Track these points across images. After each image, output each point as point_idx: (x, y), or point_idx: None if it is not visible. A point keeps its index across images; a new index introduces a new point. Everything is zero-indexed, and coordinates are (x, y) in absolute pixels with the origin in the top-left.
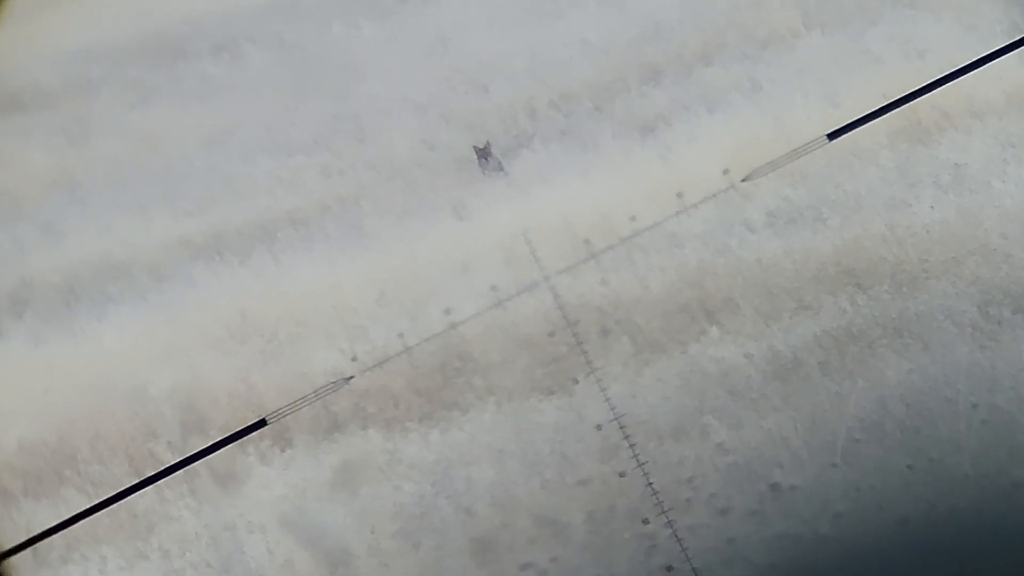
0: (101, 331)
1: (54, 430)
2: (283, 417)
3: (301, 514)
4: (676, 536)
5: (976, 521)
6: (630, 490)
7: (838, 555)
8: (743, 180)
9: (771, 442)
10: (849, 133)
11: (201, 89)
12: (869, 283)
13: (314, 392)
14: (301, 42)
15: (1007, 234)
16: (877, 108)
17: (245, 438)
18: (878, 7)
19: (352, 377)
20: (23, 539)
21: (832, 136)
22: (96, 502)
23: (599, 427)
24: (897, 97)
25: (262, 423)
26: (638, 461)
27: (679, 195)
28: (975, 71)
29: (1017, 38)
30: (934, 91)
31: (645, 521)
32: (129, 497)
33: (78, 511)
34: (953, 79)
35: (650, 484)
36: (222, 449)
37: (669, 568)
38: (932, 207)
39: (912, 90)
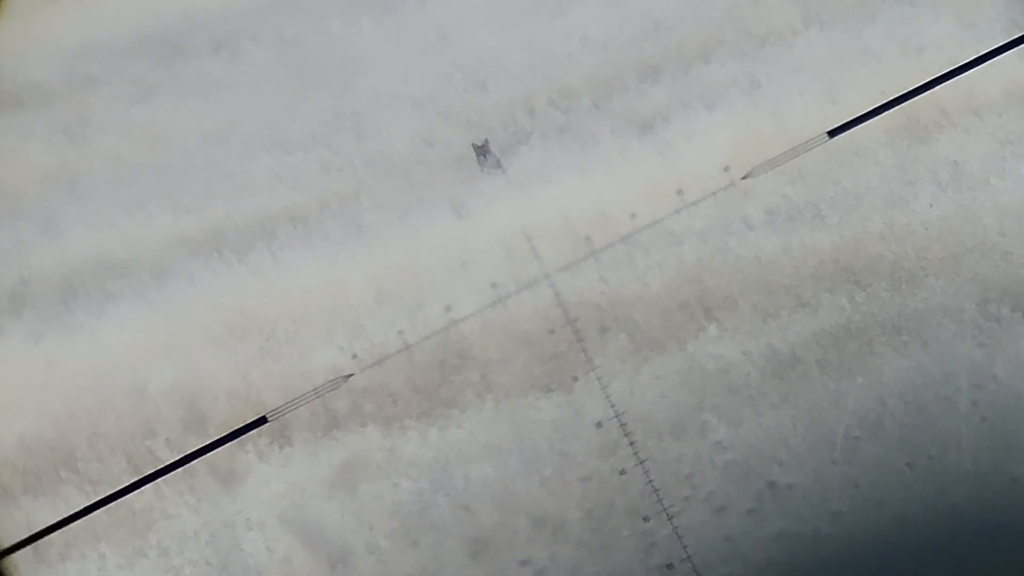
0: (100, 328)
1: (53, 427)
2: (284, 415)
3: (300, 511)
4: (677, 534)
5: (975, 518)
6: (630, 488)
7: (837, 552)
8: (744, 177)
9: (770, 439)
10: (848, 131)
11: (201, 86)
12: (868, 280)
13: (314, 390)
14: (301, 39)
15: (1005, 231)
16: (876, 106)
17: (244, 436)
18: (877, 4)
19: (352, 375)
20: (23, 536)
21: (833, 133)
22: (95, 500)
23: (599, 424)
24: (896, 95)
25: (263, 420)
26: (639, 459)
27: (679, 192)
28: (974, 68)
29: (1016, 36)
30: (933, 88)
31: (646, 519)
32: (128, 495)
33: (77, 509)
34: (952, 77)
35: (650, 482)
36: (221, 447)
37: (669, 566)
38: (931, 204)
39: (911, 87)
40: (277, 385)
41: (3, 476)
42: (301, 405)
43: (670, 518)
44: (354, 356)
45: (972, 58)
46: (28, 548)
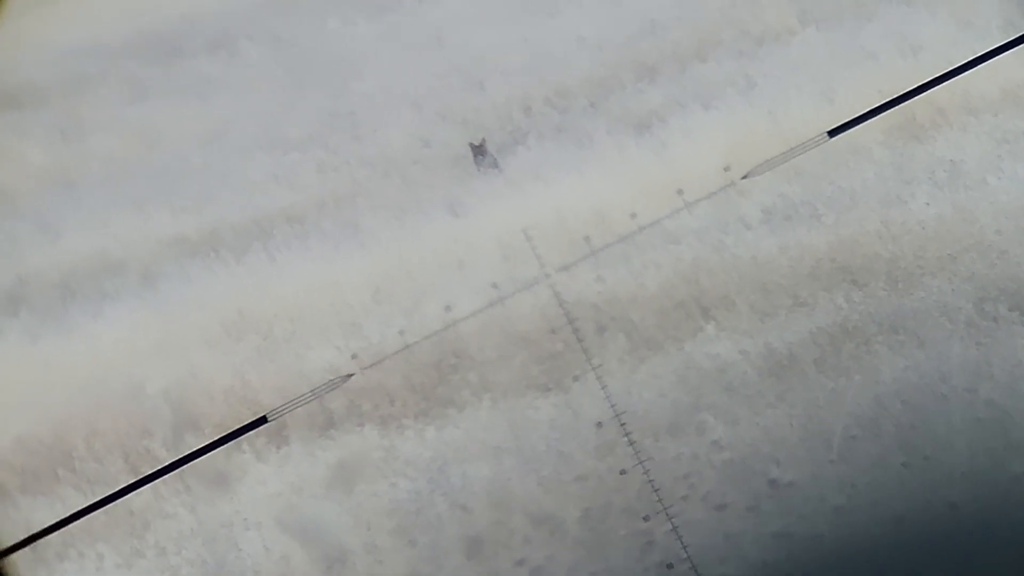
0: (97, 328)
1: (51, 427)
2: (283, 415)
3: (297, 511)
4: (676, 533)
5: (972, 517)
6: (629, 487)
7: (834, 551)
8: (743, 177)
9: (767, 439)
10: (845, 130)
11: (197, 86)
12: (864, 280)
13: (311, 391)
14: (297, 39)
15: (1002, 230)
16: (873, 106)
17: (241, 436)
18: (874, 4)
19: (352, 375)
20: (22, 537)
21: (832, 133)
22: (93, 500)
23: (599, 424)
24: (893, 94)
25: (263, 420)
26: (638, 458)
27: (679, 192)
28: (971, 68)
29: (1013, 36)
30: (930, 88)
31: (644, 518)
32: (126, 495)
33: (75, 509)
34: (949, 76)
35: (650, 481)
36: (218, 447)
37: (669, 566)
38: (927, 203)
39: (908, 87)
40: (274, 385)
41: (1, 476)
42: (300, 405)
43: (669, 517)
44: (352, 356)
45: (969, 58)
46: (27, 548)
